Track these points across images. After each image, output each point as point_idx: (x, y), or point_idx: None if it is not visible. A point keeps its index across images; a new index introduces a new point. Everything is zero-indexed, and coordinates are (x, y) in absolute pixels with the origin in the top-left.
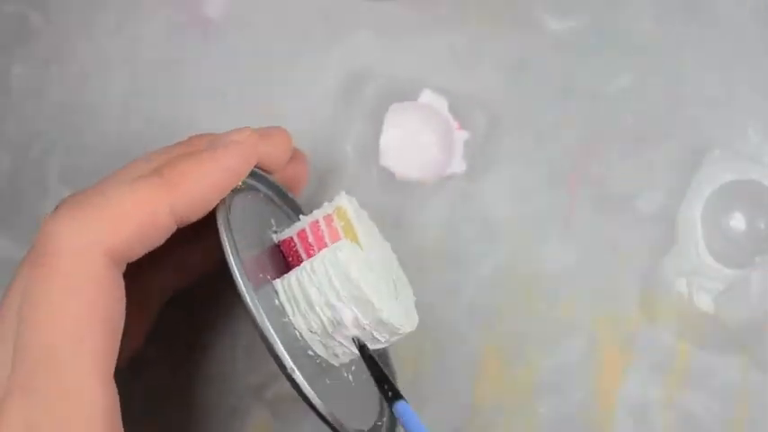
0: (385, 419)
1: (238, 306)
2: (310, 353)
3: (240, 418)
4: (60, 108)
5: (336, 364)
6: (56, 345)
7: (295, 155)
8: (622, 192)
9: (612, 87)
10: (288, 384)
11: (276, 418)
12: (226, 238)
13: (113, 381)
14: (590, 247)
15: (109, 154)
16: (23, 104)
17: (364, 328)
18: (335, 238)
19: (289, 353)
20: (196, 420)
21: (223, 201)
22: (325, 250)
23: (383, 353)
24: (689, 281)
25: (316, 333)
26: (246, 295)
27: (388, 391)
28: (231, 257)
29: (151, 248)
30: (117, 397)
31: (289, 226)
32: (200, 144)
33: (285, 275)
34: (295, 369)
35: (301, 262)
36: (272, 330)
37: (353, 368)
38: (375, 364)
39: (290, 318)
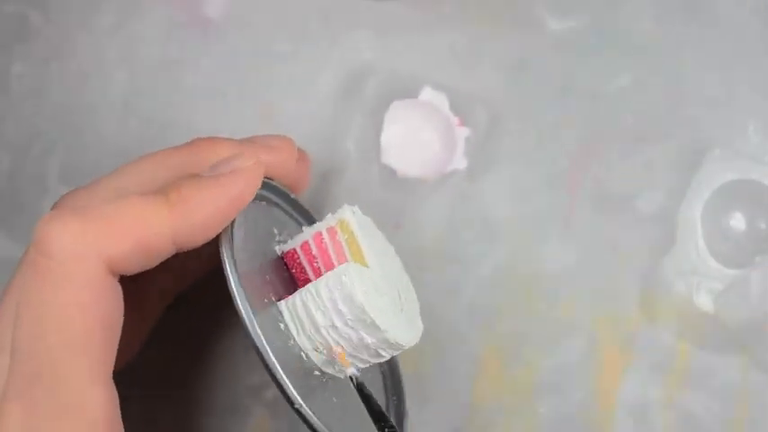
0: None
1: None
2: (317, 372)
3: (240, 418)
4: (60, 108)
5: (342, 377)
6: (54, 351)
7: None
8: (622, 192)
9: (612, 87)
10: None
11: (276, 418)
12: (230, 272)
13: (113, 385)
14: (590, 247)
15: (109, 153)
16: (23, 104)
17: (369, 347)
18: (339, 252)
19: (295, 377)
20: (196, 421)
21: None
22: (329, 273)
23: (395, 371)
24: (689, 281)
25: (322, 353)
26: (255, 338)
27: (384, 428)
28: (236, 294)
29: (146, 268)
30: (117, 401)
31: (291, 228)
32: (205, 151)
33: (290, 298)
34: (303, 405)
35: (305, 275)
36: (279, 369)
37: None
38: (371, 403)
39: (295, 338)
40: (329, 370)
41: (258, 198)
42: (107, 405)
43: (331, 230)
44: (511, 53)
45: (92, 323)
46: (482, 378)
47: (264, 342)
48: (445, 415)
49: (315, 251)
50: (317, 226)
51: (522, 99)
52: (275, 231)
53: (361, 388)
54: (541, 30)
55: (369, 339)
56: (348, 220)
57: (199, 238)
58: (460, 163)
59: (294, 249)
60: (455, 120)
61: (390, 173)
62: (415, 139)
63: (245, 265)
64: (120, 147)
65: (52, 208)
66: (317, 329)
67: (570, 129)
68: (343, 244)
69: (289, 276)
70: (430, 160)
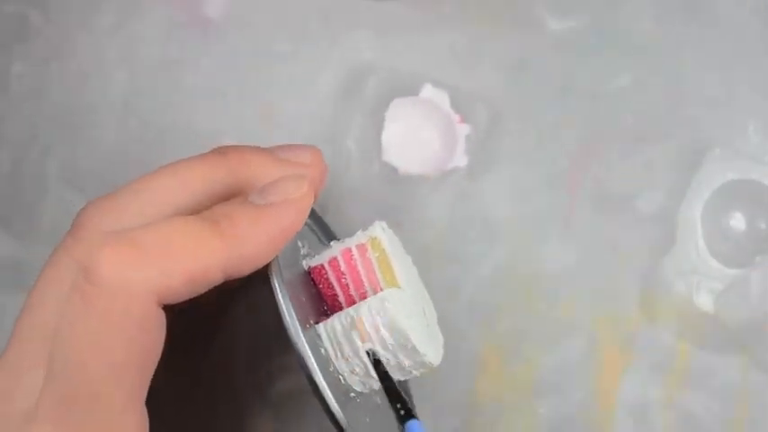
0: None
1: (238, 305)
2: (352, 394)
3: (240, 418)
4: (60, 108)
5: (368, 391)
6: (94, 377)
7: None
8: (622, 192)
9: (612, 87)
10: (288, 384)
11: (276, 418)
12: (285, 311)
13: (145, 410)
14: (590, 247)
15: (108, 154)
16: (23, 104)
17: (404, 369)
18: (369, 269)
19: (339, 403)
20: (196, 421)
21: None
22: (371, 299)
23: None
24: (689, 281)
25: (357, 375)
26: (318, 382)
27: (401, 409)
28: (295, 335)
29: (192, 296)
30: (147, 427)
31: (311, 240)
32: (241, 166)
33: (328, 321)
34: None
35: (332, 290)
36: (336, 405)
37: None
38: (390, 381)
39: (333, 362)
40: (360, 389)
41: None
42: (139, 431)
43: (361, 247)
44: (511, 53)
45: (135, 354)
46: (482, 377)
47: (324, 383)
48: (445, 414)
49: (343, 267)
50: (347, 242)
51: (522, 99)
52: (299, 245)
53: (377, 364)
54: (541, 30)
55: (406, 362)
56: (380, 238)
57: (248, 268)
58: (461, 160)
59: (322, 265)
60: (456, 117)
61: (392, 171)
62: (416, 136)
63: (288, 288)
64: (120, 147)
65: (75, 220)
66: (357, 353)
67: (570, 129)
68: (374, 261)
69: (316, 292)
70: (431, 157)
